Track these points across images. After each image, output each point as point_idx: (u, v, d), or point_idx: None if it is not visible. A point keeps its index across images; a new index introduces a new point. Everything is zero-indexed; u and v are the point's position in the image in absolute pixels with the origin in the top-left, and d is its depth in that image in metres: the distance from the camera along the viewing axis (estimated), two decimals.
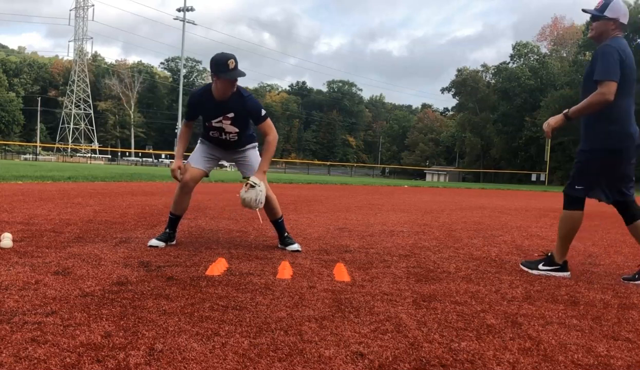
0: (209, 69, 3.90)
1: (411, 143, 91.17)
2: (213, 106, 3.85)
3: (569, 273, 3.64)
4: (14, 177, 12.05)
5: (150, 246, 3.85)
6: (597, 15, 3.47)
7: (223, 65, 3.68)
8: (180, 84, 59.51)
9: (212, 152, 4.14)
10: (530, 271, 3.66)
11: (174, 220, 4.05)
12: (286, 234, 4.19)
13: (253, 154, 4.15)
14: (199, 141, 4.18)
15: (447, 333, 2.17)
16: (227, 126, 3.91)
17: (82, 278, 2.80)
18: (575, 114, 3.47)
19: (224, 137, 3.98)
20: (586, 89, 3.46)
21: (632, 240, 6.00)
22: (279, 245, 4.17)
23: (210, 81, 3.91)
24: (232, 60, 3.69)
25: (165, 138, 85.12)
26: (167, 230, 4.03)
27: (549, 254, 3.68)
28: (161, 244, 3.90)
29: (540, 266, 3.65)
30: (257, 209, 3.89)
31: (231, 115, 3.86)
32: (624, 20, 3.46)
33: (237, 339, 1.97)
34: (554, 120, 3.54)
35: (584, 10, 3.61)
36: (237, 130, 3.94)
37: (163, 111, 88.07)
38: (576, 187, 3.55)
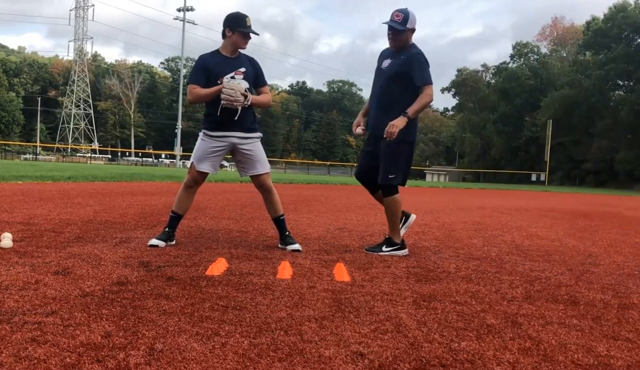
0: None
1: None
2: (224, 63, 3.94)
3: (406, 250, 4.14)
4: (14, 177, 12.04)
5: (150, 246, 3.85)
6: (402, 29, 3.95)
7: (242, 20, 3.89)
8: (180, 84, 59.59)
9: (217, 144, 3.99)
10: (376, 254, 4.07)
11: (175, 219, 4.05)
12: (287, 233, 4.19)
13: (259, 148, 4.10)
14: (200, 136, 4.07)
15: (447, 333, 2.17)
16: (240, 81, 3.94)
17: (82, 278, 2.80)
18: (414, 114, 3.92)
19: None
20: (391, 85, 3.99)
21: (632, 240, 6.01)
22: (279, 245, 4.17)
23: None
24: (249, 19, 3.91)
25: (165, 138, 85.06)
26: (167, 229, 4.02)
27: (387, 237, 4.15)
28: (161, 243, 3.90)
29: (384, 248, 4.10)
30: (240, 102, 3.82)
31: (243, 69, 3.96)
32: (416, 27, 4.06)
33: (237, 339, 1.97)
34: (399, 122, 3.83)
35: (389, 24, 3.97)
36: (248, 85, 3.96)
37: (163, 111, 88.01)
38: (389, 176, 4.02)
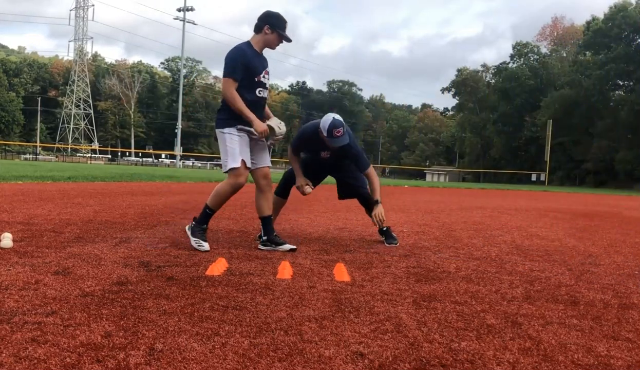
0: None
1: (411, 143, 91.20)
2: (258, 60, 3.95)
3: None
4: (14, 177, 12.04)
5: (203, 250, 3.81)
6: (348, 140, 4.25)
7: (284, 23, 3.95)
8: (180, 84, 59.60)
9: (248, 137, 3.93)
10: (396, 243, 4.62)
11: (210, 216, 4.04)
12: (275, 233, 4.09)
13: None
14: (233, 132, 3.87)
15: (447, 333, 2.17)
16: (267, 81, 3.98)
17: (82, 278, 2.81)
18: (380, 197, 4.49)
19: (264, 94, 3.99)
20: (344, 163, 4.60)
21: (632, 240, 6.01)
22: (267, 247, 4.02)
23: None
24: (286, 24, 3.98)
25: (165, 138, 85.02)
26: (204, 226, 3.99)
27: (387, 227, 4.71)
28: (206, 244, 3.87)
29: (394, 234, 4.76)
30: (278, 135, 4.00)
31: (268, 69, 4.01)
32: None
33: (237, 339, 1.97)
34: (382, 209, 4.43)
35: (340, 145, 4.22)
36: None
37: (163, 111, 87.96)
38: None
